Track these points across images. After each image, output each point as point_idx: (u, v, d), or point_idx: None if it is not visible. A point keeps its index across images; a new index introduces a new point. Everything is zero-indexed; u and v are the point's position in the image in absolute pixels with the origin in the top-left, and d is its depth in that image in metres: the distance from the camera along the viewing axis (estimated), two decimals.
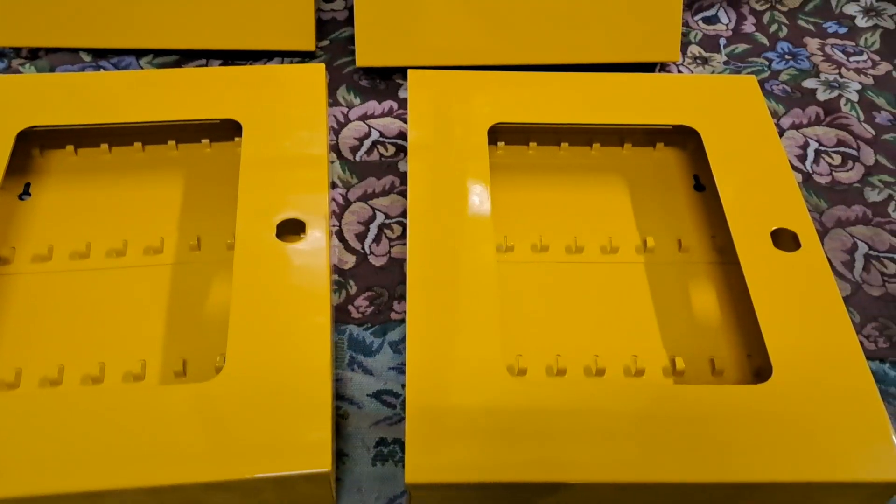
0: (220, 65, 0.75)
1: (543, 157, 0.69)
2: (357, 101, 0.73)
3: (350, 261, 0.61)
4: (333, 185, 0.66)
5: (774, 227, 0.58)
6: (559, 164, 0.68)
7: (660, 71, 0.77)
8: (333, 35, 0.78)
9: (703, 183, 0.67)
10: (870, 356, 0.58)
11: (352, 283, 0.60)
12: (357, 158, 0.68)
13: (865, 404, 0.49)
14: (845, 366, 0.51)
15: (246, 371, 0.49)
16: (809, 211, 0.66)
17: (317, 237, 0.55)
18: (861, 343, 0.57)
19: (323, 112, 0.63)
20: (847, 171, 0.69)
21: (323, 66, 0.65)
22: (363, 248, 0.62)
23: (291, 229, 0.56)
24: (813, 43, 0.81)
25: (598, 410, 0.49)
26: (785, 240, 0.58)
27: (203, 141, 0.66)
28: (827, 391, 0.50)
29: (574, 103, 0.66)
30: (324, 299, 0.52)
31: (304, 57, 0.76)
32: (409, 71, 0.65)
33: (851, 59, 0.79)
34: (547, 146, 0.69)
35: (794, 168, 0.69)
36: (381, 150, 0.69)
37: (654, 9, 0.72)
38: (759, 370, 0.56)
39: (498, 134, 0.68)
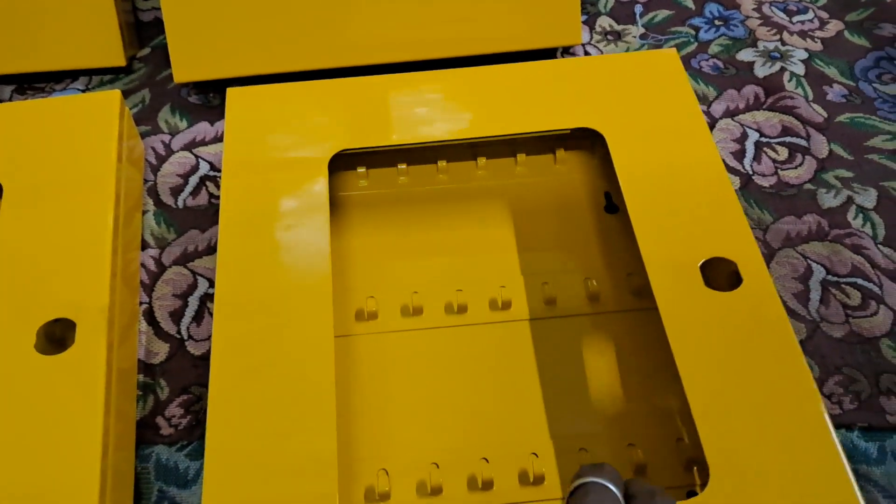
0: (13, 91, 0.60)
1: (417, 181, 0.54)
2: (183, 124, 0.58)
3: (162, 351, 0.47)
4: (144, 245, 0.51)
5: (705, 259, 0.44)
6: (437, 191, 0.54)
7: (562, 56, 0.62)
8: (156, 41, 0.63)
9: (615, 202, 0.53)
10: (834, 423, 0.45)
11: (163, 383, 0.46)
12: (179, 203, 0.53)
13: None
14: (813, 461, 0.38)
15: None
16: (751, 228, 0.52)
17: (91, 343, 0.41)
18: None
19: (112, 160, 0.48)
20: (795, 167, 0.56)
21: (118, 93, 0.50)
22: (179, 332, 0.48)
23: (64, 329, 0.42)
24: (748, 2, 0.67)
25: None
26: (720, 274, 0.44)
27: None
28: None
29: (448, 110, 0.51)
30: (94, 433, 0.39)
31: (116, 73, 0.61)
32: (227, 90, 0.51)
33: (795, 19, 0.65)
34: (422, 165, 0.54)
35: (731, 169, 0.55)
36: (212, 188, 0.54)
37: None
38: (694, 461, 0.43)
39: (357, 157, 0.53)
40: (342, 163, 0.53)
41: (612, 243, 0.51)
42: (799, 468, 0.38)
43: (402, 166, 0.54)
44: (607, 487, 0.31)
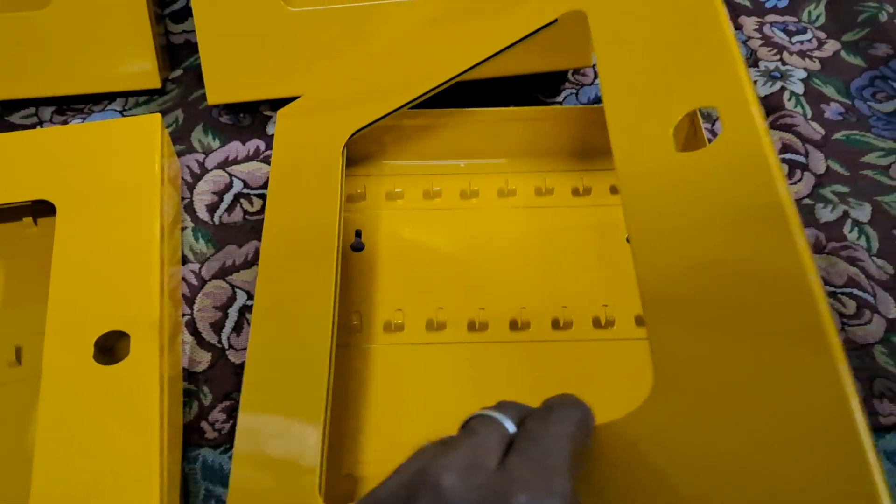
0: (53, 112, 0.63)
1: (449, 202, 0.57)
2: (216, 143, 0.61)
3: (204, 360, 0.51)
4: (185, 260, 0.55)
5: (680, 114, 0.37)
6: (467, 213, 0.57)
7: (573, 75, 0.66)
8: (187, 63, 0.66)
9: None
10: None
11: (206, 390, 0.49)
12: (215, 220, 0.57)
13: None
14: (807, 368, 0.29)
15: None
16: None
17: (144, 354, 0.45)
18: None
19: (156, 180, 0.51)
20: (795, 183, 0.59)
21: (158, 116, 0.53)
22: (220, 342, 0.51)
23: (113, 339, 0.46)
24: (749, 23, 0.70)
25: None
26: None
27: (24, 219, 0.55)
28: None
29: (447, 49, 0.52)
30: (152, 438, 0.42)
31: (151, 94, 0.64)
32: (278, 113, 0.54)
33: (794, 39, 0.69)
34: (454, 185, 0.57)
35: None
36: (246, 205, 0.58)
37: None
38: None
39: (379, 149, 0.57)
40: (381, 181, 0.57)
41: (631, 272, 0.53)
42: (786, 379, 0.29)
43: (437, 188, 0.57)
44: (493, 419, 0.29)
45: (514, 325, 0.51)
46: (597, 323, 0.51)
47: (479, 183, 0.57)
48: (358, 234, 0.55)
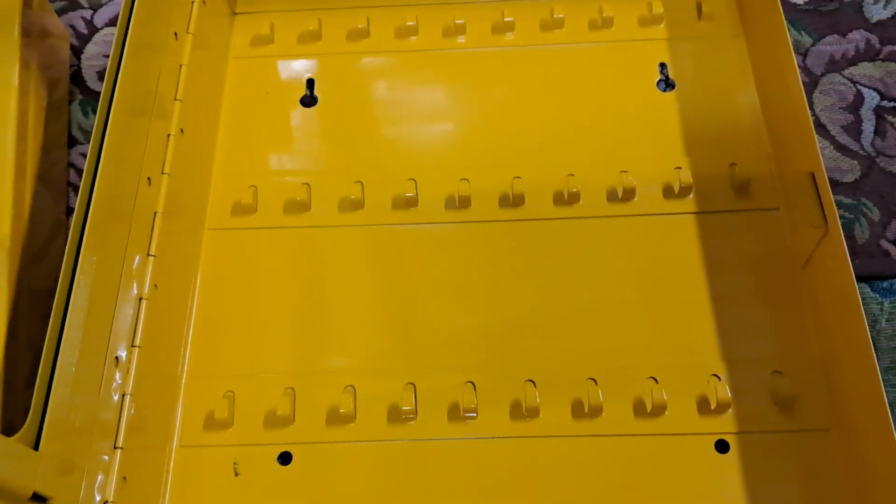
0: None
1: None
2: None
3: None
4: (73, 142, 0.43)
5: None
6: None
7: None
8: None
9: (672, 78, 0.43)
10: None
11: None
12: None
13: None
14: None
15: None
16: None
17: None
18: (887, 252, 0.38)
19: (14, 53, 0.39)
20: None
21: None
22: None
23: None
24: None
25: None
26: None
27: None
28: None
29: None
30: None
31: None
32: None
33: None
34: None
35: None
36: None
37: None
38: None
39: None
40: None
41: (661, 127, 0.42)
42: None
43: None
44: None
45: (504, 201, 0.41)
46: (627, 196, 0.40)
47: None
48: (310, 84, 0.44)
